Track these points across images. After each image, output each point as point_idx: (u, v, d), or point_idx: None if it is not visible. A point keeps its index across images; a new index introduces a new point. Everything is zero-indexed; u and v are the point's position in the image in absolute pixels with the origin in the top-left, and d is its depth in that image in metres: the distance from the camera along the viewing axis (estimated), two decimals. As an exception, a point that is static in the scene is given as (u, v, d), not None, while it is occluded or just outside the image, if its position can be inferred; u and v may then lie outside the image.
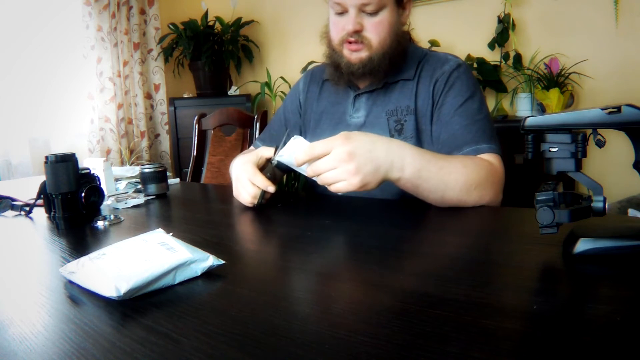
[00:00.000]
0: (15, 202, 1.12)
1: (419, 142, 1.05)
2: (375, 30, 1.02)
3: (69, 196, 0.93)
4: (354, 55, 1.04)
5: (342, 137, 0.81)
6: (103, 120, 2.90)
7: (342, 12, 1.03)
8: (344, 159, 0.80)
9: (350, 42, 1.03)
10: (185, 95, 3.26)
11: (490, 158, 0.97)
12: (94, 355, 0.42)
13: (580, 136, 0.57)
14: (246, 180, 0.96)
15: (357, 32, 1.02)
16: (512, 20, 2.31)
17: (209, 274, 0.60)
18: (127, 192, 1.28)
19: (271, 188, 0.95)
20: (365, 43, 1.03)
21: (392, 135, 1.06)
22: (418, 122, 1.05)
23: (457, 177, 0.88)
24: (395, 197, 1.03)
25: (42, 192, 0.97)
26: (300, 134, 1.23)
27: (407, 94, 1.07)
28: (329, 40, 1.10)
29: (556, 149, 0.58)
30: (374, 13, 1.01)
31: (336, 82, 1.13)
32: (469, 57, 2.43)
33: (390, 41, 1.04)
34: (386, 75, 1.08)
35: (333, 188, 0.82)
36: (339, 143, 0.81)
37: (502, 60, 2.38)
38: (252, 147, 1.35)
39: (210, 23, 3.18)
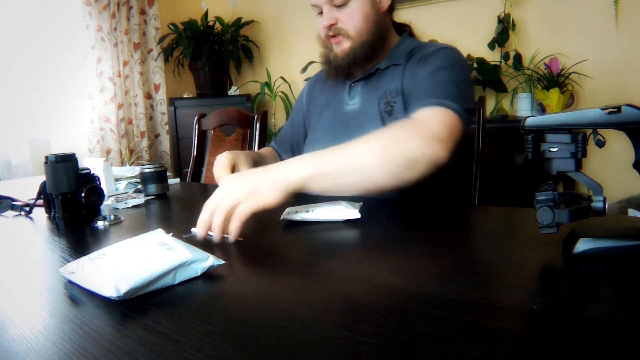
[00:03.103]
0: (15, 202, 1.12)
1: None
2: (349, 20, 1.08)
3: (69, 196, 0.93)
4: (338, 47, 1.11)
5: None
6: (103, 120, 2.90)
7: (320, 12, 1.10)
8: (222, 192, 0.74)
9: (331, 37, 1.10)
10: (185, 95, 3.26)
11: (428, 110, 0.92)
12: (94, 355, 0.42)
13: (580, 136, 0.57)
14: (219, 167, 1.01)
15: (334, 26, 1.09)
16: (512, 20, 2.31)
17: (209, 274, 0.59)
18: (127, 192, 1.28)
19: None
20: (343, 34, 1.09)
21: (382, 118, 1.08)
22: (406, 102, 1.06)
23: (369, 151, 0.82)
24: (395, 197, 1.03)
25: (42, 192, 0.97)
26: (305, 133, 1.30)
27: (396, 76, 1.10)
28: (320, 40, 1.16)
29: (556, 149, 0.58)
30: (344, 5, 1.07)
31: (329, 76, 1.18)
32: (469, 57, 2.43)
33: (367, 27, 1.09)
34: (371, 60, 1.12)
35: (234, 220, 0.72)
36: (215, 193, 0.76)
37: (502, 60, 2.38)
38: (269, 147, 1.41)
39: (210, 23, 3.18)
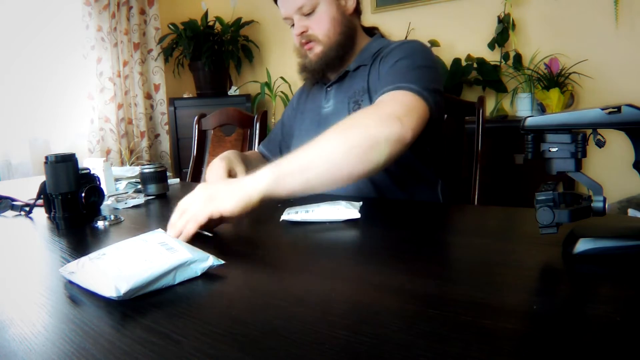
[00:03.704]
0: (15, 202, 1.12)
1: None
2: (317, 26, 1.13)
3: (69, 196, 0.93)
4: (312, 53, 1.15)
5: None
6: (103, 120, 2.90)
7: (293, 24, 1.15)
8: (190, 198, 0.79)
9: (304, 44, 1.15)
10: (185, 95, 3.26)
11: (389, 94, 0.94)
12: (94, 355, 0.42)
13: (580, 136, 0.57)
14: (214, 174, 1.03)
15: (305, 33, 1.14)
16: (512, 20, 2.31)
17: (209, 274, 0.59)
18: (127, 192, 1.28)
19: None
20: (314, 40, 1.14)
21: None
22: (372, 100, 1.07)
23: (329, 141, 0.82)
24: (374, 195, 1.04)
25: (42, 192, 0.97)
26: (294, 137, 1.30)
27: (364, 76, 1.13)
28: (296, 50, 1.21)
29: (556, 149, 0.58)
30: (311, 13, 1.12)
31: (307, 82, 1.25)
32: (469, 57, 2.43)
33: (335, 29, 1.13)
34: (342, 62, 1.16)
35: (189, 222, 0.76)
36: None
37: (502, 60, 2.38)
38: (255, 151, 1.44)
39: (210, 23, 3.18)
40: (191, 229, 0.75)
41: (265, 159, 1.36)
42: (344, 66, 1.17)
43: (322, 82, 1.22)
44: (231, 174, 1.06)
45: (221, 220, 0.78)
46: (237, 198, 0.76)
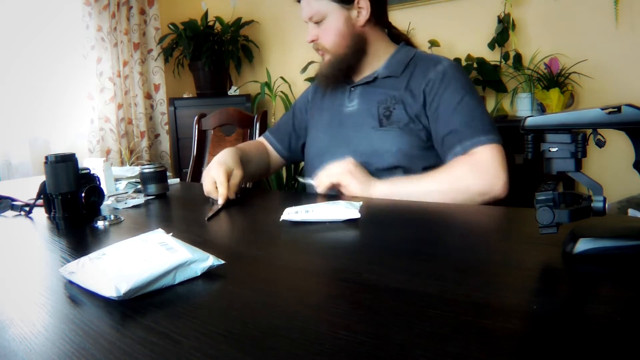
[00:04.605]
0: (15, 202, 1.12)
1: (404, 131, 1.11)
2: (324, 36, 1.17)
3: (69, 196, 0.93)
4: (323, 60, 1.22)
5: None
6: (103, 120, 2.90)
7: None
8: (347, 170, 1.04)
9: (317, 50, 1.21)
10: (185, 95, 3.26)
11: (483, 150, 1.03)
12: (94, 355, 0.42)
13: (580, 136, 0.57)
14: (211, 179, 1.06)
15: (315, 42, 1.19)
16: (512, 20, 2.31)
17: (209, 274, 0.59)
18: (127, 192, 1.28)
19: (220, 200, 1.01)
20: (322, 49, 1.19)
21: (380, 120, 1.15)
22: (407, 113, 1.12)
23: (438, 185, 1.01)
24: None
25: (42, 192, 0.97)
26: (305, 131, 1.36)
27: (396, 86, 1.15)
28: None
29: (556, 149, 0.58)
30: (321, 22, 1.16)
31: (320, 84, 1.28)
32: (469, 57, 2.43)
33: (342, 42, 1.16)
34: (360, 69, 1.21)
35: (344, 189, 1.04)
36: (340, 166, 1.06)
37: (502, 60, 2.38)
38: (261, 138, 1.45)
39: (210, 23, 3.18)
40: (327, 182, 1.04)
41: (270, 148, 1.40)
42: (366, 70, 1.20)
43: (346, 82, 1.24)
44: (229, 177, 1.07)
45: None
46: (362, 190, 1.02)
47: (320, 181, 1.06)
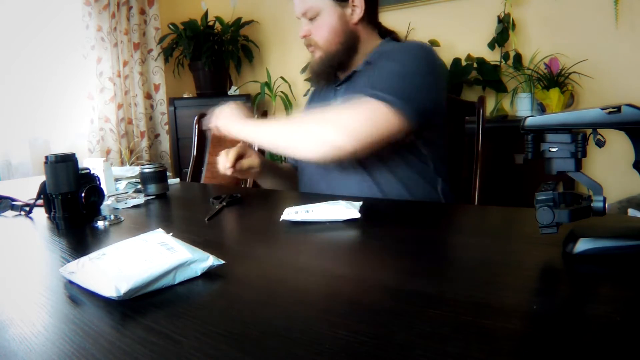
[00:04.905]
0: (15, 202, 1.12)
1: None
2: (317, 33, 1.17)
3: (69, 196, 0.93)
4: (313, 56, 1.21)
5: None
6: (103, 120, 2.90)
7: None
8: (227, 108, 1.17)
9: (308, 46, 1.20)
10: (185, 95, 3.26)
11: (358, 100, 0.99)
12: (94, 355, 0.42)
13: (580, 136, 0.57)
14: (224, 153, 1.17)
15: (307, 37, 1.18)
16: (512, 20, 2.31)
17: (209, 274, 0.59)
18: (127, 192, 1.28)
19: (228, 172, 1.15)
20: (313, 45, 1.18)
21: None
22: None
23: (285, 127, 1.08)
24: (396, 197, 1.04)
25: (42, 192, 0.97)
26: None
27: (367, 75, 1.13)
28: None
29: (556, 149, 0.58)
30: (314, 18, 1.16)
31: (311, 81, 1.29)
32: (469, 57, 2.43)
33: (334, 39, 1.15)
34: (349, 65, 1.18)
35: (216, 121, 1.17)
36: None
37: (502, 60, 2.38)
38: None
39: (210, 23, 3.18)
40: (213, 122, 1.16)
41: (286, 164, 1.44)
42: (352, 67, 1.19)
43: (332, 81, 1.23)
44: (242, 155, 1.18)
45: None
46: (224, 124, 1.14)
47: (209, 122, 1.17)
